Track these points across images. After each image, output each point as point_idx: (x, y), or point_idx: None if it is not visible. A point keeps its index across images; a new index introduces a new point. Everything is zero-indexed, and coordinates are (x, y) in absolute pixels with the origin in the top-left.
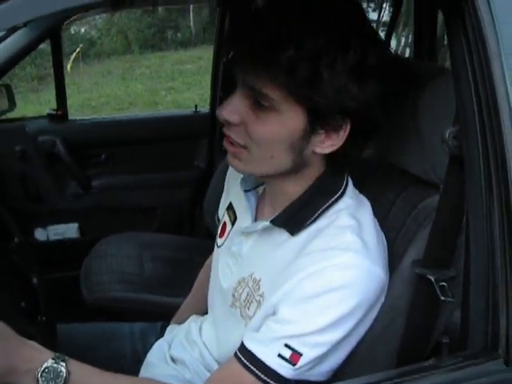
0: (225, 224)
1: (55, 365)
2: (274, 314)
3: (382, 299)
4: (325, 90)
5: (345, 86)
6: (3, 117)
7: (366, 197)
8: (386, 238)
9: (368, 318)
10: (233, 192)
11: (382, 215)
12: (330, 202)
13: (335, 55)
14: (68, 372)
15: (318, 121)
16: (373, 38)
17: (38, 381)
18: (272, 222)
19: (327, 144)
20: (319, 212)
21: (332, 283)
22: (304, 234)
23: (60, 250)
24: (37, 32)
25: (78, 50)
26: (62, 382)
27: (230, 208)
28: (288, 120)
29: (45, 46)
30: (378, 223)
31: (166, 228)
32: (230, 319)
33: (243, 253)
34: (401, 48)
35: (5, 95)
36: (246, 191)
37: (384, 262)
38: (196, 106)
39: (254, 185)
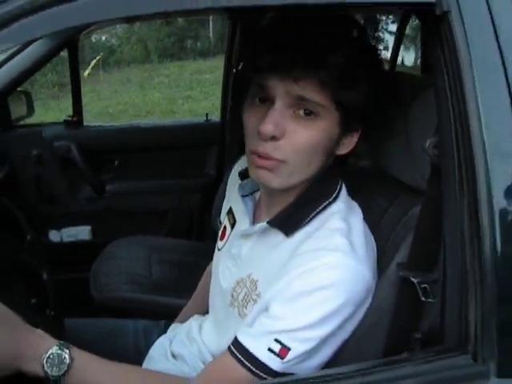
0: (225, 228)
1: (59, 351)
2: (266, 310)
3: (369, 299)
4: (359, 95)
5: (375, 91)
6: (21, 122)
7: (361, 204)
8: (377, 243)
9: (355, 317)
10: (232, 197)
11: (374, 222)
12: (324, 205)
13: (368, 62)
14: (71, 358)
15: (348, 124)
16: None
17: (43, 366)
18: (269, 222)
19: (347, 145)
20: (313, 214)
21: (320, 282)
22: (298, 236)
23: (72, 251)
24: (55, 42)
25: (98, 57)
26: (66, 367)
27: (230, 212)
28: (328, 125)
29: (66, 54)
30: (368, 228)
31: (175, 232)
32: (229, 318)
33: (242, 255)
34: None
35: (24, 102)
36: (243, 196)
37: (371, 264)
38: (207, 115)
39: (251, 190)
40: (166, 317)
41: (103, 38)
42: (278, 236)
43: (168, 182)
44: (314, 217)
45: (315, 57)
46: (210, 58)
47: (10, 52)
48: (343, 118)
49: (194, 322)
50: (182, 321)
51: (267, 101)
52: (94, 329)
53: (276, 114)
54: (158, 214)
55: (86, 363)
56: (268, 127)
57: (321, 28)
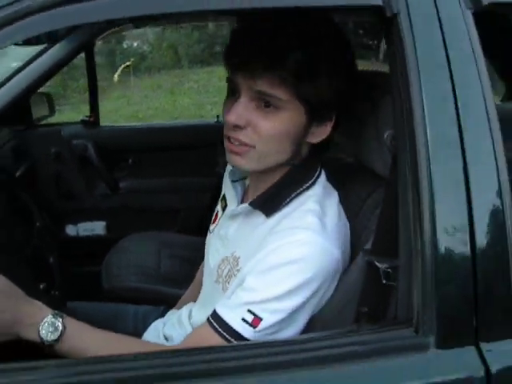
0: (217, 212)
1: (53, 320)
2: (242, 282)
3: (336, 278)
4: (324, 89)
5: (337, 84)
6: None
7: (344, 194)
8: (354, 233)
9: (322, 292)
10: (226, 185)
11: (353, 211)
12: (302, 189)
13: (333, 58)
14: (64, 326)
15: (315, 115)
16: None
17: (39, 333)
18: (250, 204)
19: (318, 134)
20: (291, 197)
21: (290, 257)
22: (277, 216)
23: (87, 245)
24: (72, 46)
25: (127, 63)
26: (58, 334)
27: (223, 198)
28: (292, 116)
29: (97, 59)
30: (343, 213)
31: (186, 229)
32: (214, 294)
33: (229, 235)
34: None
35: (46, 102)
36: (233, 181)
37: (341, 245)
38: (218, 116)
39: (242, 176)
40: (170, 306)
41: (135, 45)
42: (259, 217)
43: (180, 181)
44: (291, 199)
45: (272, 56)
46: None
47: (30, 57)
48: (308, 110)
49: (185, 308)
50: (179, 308)
51: (236, 93)
52: (96, 311)
53: (239, 106)
54: (171, 211)
55: (78, 331)
56: (230, 117)
57: (282, 28)
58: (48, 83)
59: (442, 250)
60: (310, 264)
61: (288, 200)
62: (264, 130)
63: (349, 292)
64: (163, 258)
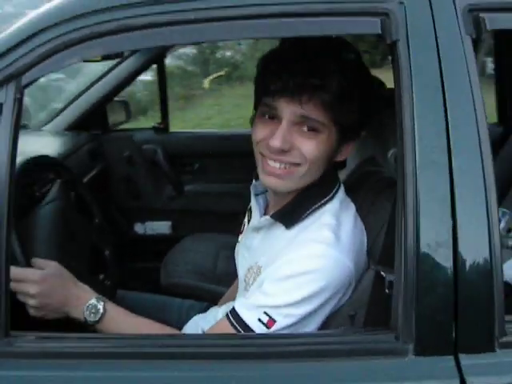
0: (244, 223)
1: (96, 303)
2: (260, 286)
3: (350, 288)
4: (355, 112)
5: (367, 107)
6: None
7: (360, 201)
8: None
9: (334, 301)
10: (252, 198)
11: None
12: (320, 203)
13: (364, 82)
14: (105, 310)
15: (345, 135)
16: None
17: (83, 313)
18: (272, 216)
19: (344, 153)
20: (310, 211)
21: (305, 267)
22: (296, 228)
23: (153, 243)
24: (144, 58)
25: (221, 73)
26: (99, 316)
27: (249, 210)
28: (329, 138)
29: (192, 68)
30: (361, 226)
31: None
32: None
33: (253, 245)
34: None
35: (123, 109)
36: (256, 195)
37: (355, 257)
38: None
39: (264, 189)
40: (215, 304)
41: (228, 54)
42: (280, 228)
43: (242, 186)
44: (310, 213)
45: (318, 81)
46: None
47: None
48: (340, 131)
49: (225, 306)
50: (220, 305)
51: (275, 118)
52: (143, 302)
53: (283, 131)
54: (232, 214)
55: (116, 315)
56: (276, 142)
57: (319, 54)
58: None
59: (425, 262)
60: (324, 275)
61: (307, 213)
62: (309, 152)
63: (357, 301)
64: (221, 259)
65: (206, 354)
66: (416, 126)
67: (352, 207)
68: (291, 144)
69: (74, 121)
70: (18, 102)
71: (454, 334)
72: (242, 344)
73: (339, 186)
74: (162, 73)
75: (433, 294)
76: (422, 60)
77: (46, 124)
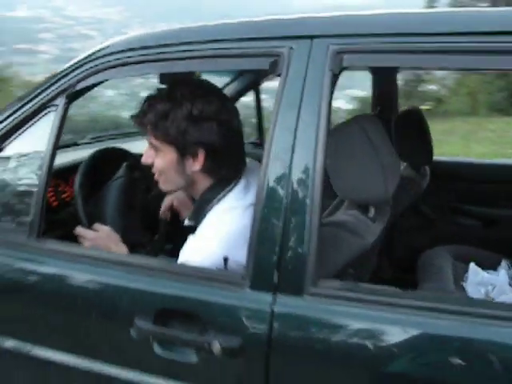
0: None
1: None
2: None
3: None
4: (173, 134)
5: (185, 129)
6: None
7: None
8: None
9: None
10: None
11: None
12: (210, 206)
13: (175, 112)
14: None
15: (182, 152)
16: (204, 97)
17: None
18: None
19: (196, 165)
20: (206, 211)
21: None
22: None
23: None
24: (242, 85)
25: (427, 107)
26: None
27: None
28: (167, 155)
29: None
30: (244, 224)
31: None
32: None
33: None
34: None
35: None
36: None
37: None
38: None
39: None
40: None
41: (433, 88)
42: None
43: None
44: (206, 212)
45: (144, 120)
46: None
47: None
48: (176, 150)
49: None
50: None
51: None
52: None
53: (147, 152)
54: None
55: None
56: (143, 159)
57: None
58: None
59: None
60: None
61: (204, 213)
62: (157, 165)
63: None
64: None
65: None
66: (276, 130)
67: (239, 209)
68: (153, 160)
69: None
70: (67, 106)
71: (276, 278)
72: None
73: (231, 188)
74: (258, 97)
75: (265, 247)
76: (289, 91)
77: None
